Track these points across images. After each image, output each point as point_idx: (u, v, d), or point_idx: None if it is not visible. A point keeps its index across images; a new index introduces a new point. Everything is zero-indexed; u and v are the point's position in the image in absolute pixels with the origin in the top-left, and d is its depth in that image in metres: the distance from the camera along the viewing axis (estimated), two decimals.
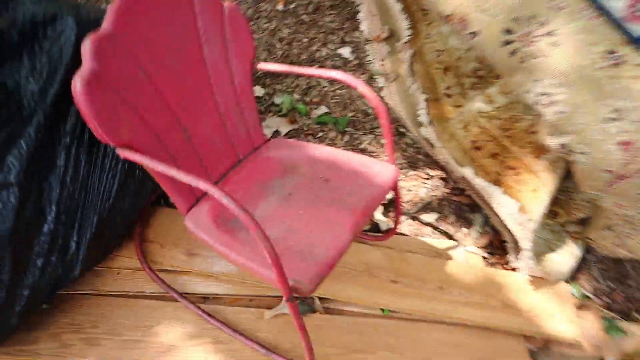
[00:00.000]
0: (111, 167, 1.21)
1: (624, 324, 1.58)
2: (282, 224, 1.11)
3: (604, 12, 1.10)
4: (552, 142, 1.19)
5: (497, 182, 1.46)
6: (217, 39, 1.18)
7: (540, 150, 1.39)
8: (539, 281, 1.51)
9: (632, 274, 1.72)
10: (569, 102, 1.11)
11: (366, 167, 1.24)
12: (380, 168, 1.23)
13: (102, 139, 0.94)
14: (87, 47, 0.93)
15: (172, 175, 0.91)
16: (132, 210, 1.31)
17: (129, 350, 1.21)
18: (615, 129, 1.12)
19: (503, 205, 1.37)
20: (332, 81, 1.88)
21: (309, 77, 1.86)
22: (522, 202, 1.40)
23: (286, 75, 1.84)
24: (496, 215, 1.52)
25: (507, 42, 1.16)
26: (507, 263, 1.61)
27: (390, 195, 1.65)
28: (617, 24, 1.10)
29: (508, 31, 1.16)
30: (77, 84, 0.90)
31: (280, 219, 1.12)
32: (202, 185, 0.86)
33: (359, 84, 1.15)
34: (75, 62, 1.15)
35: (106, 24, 0.97)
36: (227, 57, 1.20)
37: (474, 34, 1.22)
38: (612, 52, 1.10)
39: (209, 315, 1.28)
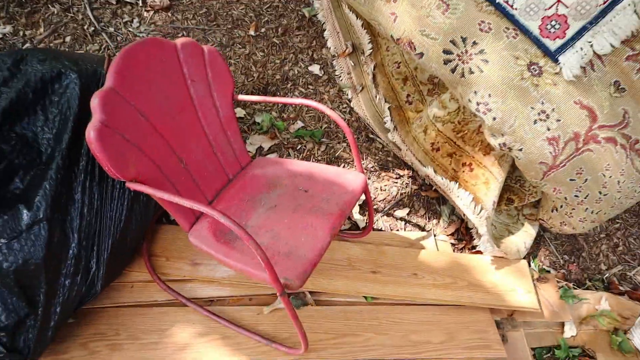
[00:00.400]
0: (119, 196, 1.40)
1: (579, 292, 1.81)
2: (271, 231, 1.31)
3: (523, 31, 1.32)
4: (493, 142, 1.41)
5: (454, 178, 1.67)
6: (201, 80, 1.37)
7: (488, 147, 1.61)
8: (501, 260, 1.73)
9: (585, 247, 1.96)
10: (501, 109, 1.33)
11: (339, 177, 1.44)
12: (351, 176, 1.44)
13: (113, 176, 1.13)
14: (95, 102, 1.12)
15: (175, 202, 1.10)
16: (140, 230, 1.50)
17: (148, 351, 1.41)
18: (542, 128, 1.33)
19: (460, 198, 1.58)
20: (305, 98, 2.07)
21: (284, 96, 2.06)
22: (475, 193, 1.62)
23: (263, 95, 2.03)
24: (456, 203, 1.74)
25: (448, 61, 1.37)
26: (473, 247, 1.82)
27: (364, 197, 1.86)
28: (535, 41, 1.31)
29: (447, 52, 1.37)
30: (90, 134, 1.09)
31: (269, 227, 1.32)
32: (201, 208, 1.05)
33: (325, 109, 1.35)
34: (82, 109, 1.34)
35: (108, 81, 1.16)
36: (211, 94, 1.40)
37: (420, 54, 1.42)
38: (533, 64, 1.31)
39: (215, 315, 1.47)
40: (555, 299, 1.74)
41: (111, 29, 2.22)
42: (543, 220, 1.73)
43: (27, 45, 2.14)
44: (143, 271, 1.57)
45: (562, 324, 1.72)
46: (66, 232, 1.27)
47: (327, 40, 2.16)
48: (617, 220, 2.04)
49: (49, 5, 2.26)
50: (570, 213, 1.56)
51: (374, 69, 1.96)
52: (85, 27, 2.20)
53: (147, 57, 1.25)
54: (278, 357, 1.41)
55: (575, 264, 1.90)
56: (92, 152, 1.10)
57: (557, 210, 1.63)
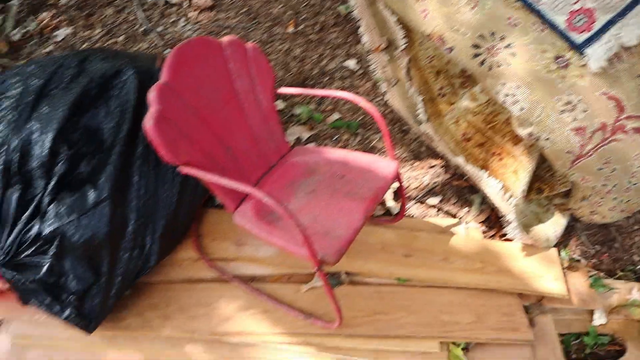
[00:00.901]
0: (171, 180, 1.54)
1: (609, 281, 1.84)
2: (309, 214, 1.42)
3: (550, 25, 1.37)
4: (521, 132, 1.47)
5: (484, 167, 1.74)
6: (245, 75, 1.49)
7: (517, 138, 1.67)
8: (530, 248, 1.78)
9: (617, 237, 1.98)
10: (528, 100, 1.39)
11: (373, 164, 1.54)
12: (384, 164, 1.53)
13: (167, 161, 1.27)
14: (152, 95, 1.26)
15: (223, 184, 1.22)
16: (189, 212, 1.64)
17: (196, 321, 1.54)
18: (569, 118, 1.39)
19: (489, 186, 1.64)
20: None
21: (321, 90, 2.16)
22: (504, 182, 1.68)
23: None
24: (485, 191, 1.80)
25: (476, 55, 1.44)
26: (504, 235, 1.88)
27: (397, 185, 1.94)
28: (561, 34, 1.37)
29: (476, 46, 1.44)
30: (148, 123, 1.23)
31: (308, 210, 1.43)
32: (248, 189, 1.17)
33: (360, 101, 1.45)
34: (138, 102, 1.48)
35: (162, 77, 1.30)
36: (254, 88, 1.52)
37: (450, 49, 1.50)
38: (559, 57, 1.37)
39: (258, 291, 1.60)
40: (585, 288, 1.78)
41: (160, 28, 2.38)
42: (573, 209, 1.77)
43: (85, 45, 2.33)
44: (191, 250, 1.71)
45: (592, 312, 1.76)
46: (125, 210, 1.42)
47: (362, 36, 2.25)
48: None
49: (104, 8, 2.44)
50: (599, 202, 1.60)
51: (407, 63, 2.03)
52: (137, 27, 2.37)
53: (196, 55, 1.38)
54: (314, 331, 1.52)
55: (606, 254, 1.93)
56: (149, 139, 1.23)
57: (586, 199, 1.67)
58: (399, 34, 2.05)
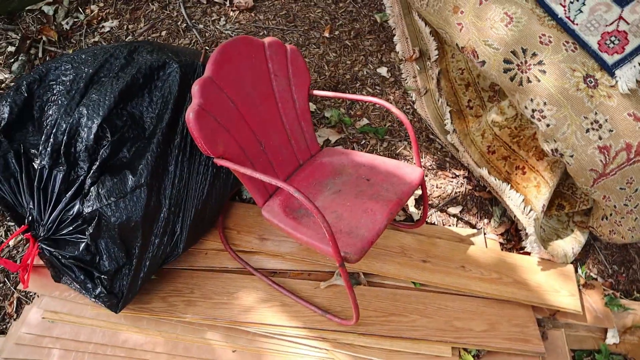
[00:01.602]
0: (204, 172, 1.62)
1: (625, 302, 1.85)
2: (335, 212, 1.48)
3: (582, 45, 1.41)
4: (546, 147, 1.50)
5: (507, 180, 1.77)
6: (283, 75, 1.56)
7: (541, 153, 1.70)
8: (547, 263, 1.81)
9: (636, 259, 1.98)
10: (555, 116, 1.42)
11: (399, 169, 1.59)
12: (409, 170, 1.58)
13: (204, 152, 1.34)
14: (195, 88, 1.33)
15: (256, 177, 1.29)
16: (218, 203, 1.71)
17: (218, 309, 1.61)
18: (594, 136, 1.42)
19: (511, 199, 1.68)
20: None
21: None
22: (526, 195, 1.71)
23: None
24: (507, 204, 1.83)
25: (507, 70, 1.48)
26: (522, 248, 1.91)
27: (420, 192, 1.98)
28: (593, 55, 1.40)
29: (508, 61, 1.48)
30: (190, 115, 1.30)
31: (333, 208, 1.49)
32: (279, 183, 1.23)
33: (391, 107, 1.50)
34: (180, 94, 1.57)
35: (207, 71, 1.37)
36: (290, 88, 1.59)
37: (482, 62, 1.54)
38: (589, 77, 1.40)
39: (277, 284, 1.66)
40: (600, 306, 1.80)
41: (201, 26, 2.47)
42: (593, 227, 1.79)
43: (130, 37, 2.43)
44: (217, 241, 1.78)
45: (605, 331, 1.77)
46: (160, 197, 1.50)
47: (396, 44, 2.30)
48: None
49: (150, 3, 2.55)
50: (620, 222, 1.62)
51: (438, 74, 2.08)
52: (179, 23, 2.47)
53: (239, 53, 1.45)
54: (330, 327, 1.57)
55: (624, 275, 1.94)
56: (190, 131, 1.30)
57: (606, 218, 1.69)
58: (431, 45, 2.10)
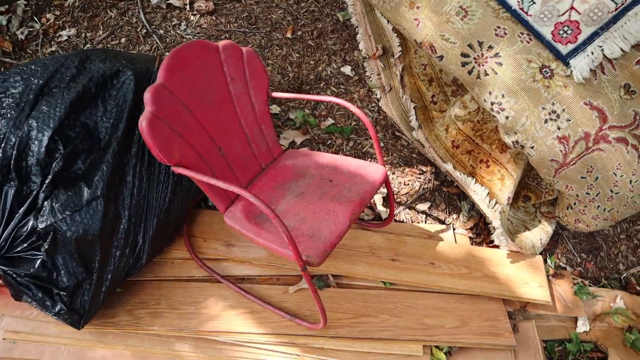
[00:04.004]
0: (164, 180, 1.58)
1: (594, 289, 1.87)
2: (297, 215, 1.45)
3: (536, 36, 1.41)
4: (507, 140, 1.50)
5: (472, 174, 1.77)
6: (240, 78, 1.53)
7: (504, 145, 1.70)
8: (516, 255, 1.81)
9: (603, 246, 2.01)
10: (513, 108, 1.42)
11: (361, 169, 1.57)
12: (372, 169, 1.56)
13: (161, 160, 1.30)
14: (147, 96, 1.30)
15: (214, 184, 1.26)
16: (181, 212, 1.67)
17: (184, 320, 1.57)
18: (553, 127, 1.42)
19: (476, 193, 1.68)
20: (336, 96, 2.21)
21: (317, 95, 2.20)
22: (491, 188, 1.71)
23: (297, 93, 2.18)
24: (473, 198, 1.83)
25: (465, 63, 1.48)
26: (491, 241, 1.91)
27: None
28: (547, 45, 1.40)
29: (465, 55, 1.47)
30: (142, 123, 1.26)
31: (296, 212, 1.47)
32: (237, 190, 1.20)
33: (350, 106, 1.49)
34: (135, 102, 1.52)
35: (158, 78, 1.34)
36: (248, 91, 1.56)
37: (440, 57, 1.53)
38: (544, 67, 1.40)
39: (245, 291, 1.63)
40: (570, 295, 1.81)
41: (161, 31, 2.43)
42: (559, 217, 1.80)
43: (88, 45, 2.37)
44: (183, 250, 1.74)
45: (576, 320, 1.79)
46: (118, 209, 1.46)
47: (359, 43, 2.29)
48: (639, 222, 2.07)
49: (108, 10, 2.49)
50: (583, 210, 1.63)
51: (402, 71, 2.07)
52: (139, 29, 2.42)
53: (193, 57, 1.42)
54: (300, 332, 1.55)
55: (592, 263, 1.95)
56: (143, 139, 1.27)
57: (571, 207, 1.70)
58: (394, 42, 2.08)
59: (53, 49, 2.39)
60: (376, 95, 2.21)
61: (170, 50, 2.34)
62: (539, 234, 1.85)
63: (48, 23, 2.47)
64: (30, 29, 2.48)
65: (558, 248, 1.97)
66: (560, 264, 1.93)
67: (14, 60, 2.38)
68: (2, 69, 2.35)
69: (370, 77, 2.25)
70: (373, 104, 2.21)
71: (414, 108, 1.98)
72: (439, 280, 1.71)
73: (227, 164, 1.51)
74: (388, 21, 2.01)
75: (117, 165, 1.45)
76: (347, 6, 2.40)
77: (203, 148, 1.43)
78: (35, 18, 2.51)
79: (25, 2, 2.57)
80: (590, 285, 1.89)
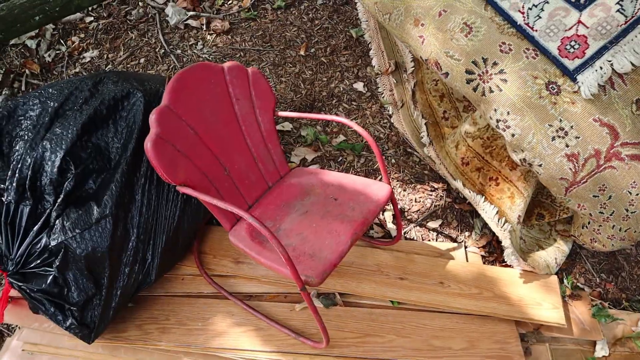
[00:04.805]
0: (173, 199, 1.61)
1: (614, 311, 1.79)
2: (300, 234, 1.46)
3: (542, 51, 1.38)
4: (515, 157, 1.47)
5: (481, 192, 1.74)
6: (245, 98, 1.56)
7: (514, 163, 1.66)
8: (530, 275, 1.76)
9: (625, 266, 1.93)
10: (520, 126, 1.40)
11: (366, 187, 1.57)
12: (377, 187, 1.56)
13: (166, 180, 1.34)
14: (152, 118, 1.33)
15: (214, 204, 1.28)
16: (191, 229, 1.70)
17: (192, 335, 1.59)
18: (561, 144, 1.39)
19: (485, 211, 1.64)
20: (348, 113, 2.22)
21: (329, 111, 2.21)
22: (500, 207, 1.67)
23: (310, 111, 2.20)
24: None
25: (470, 80, 1.46)
26: (504, 260, 1.86)
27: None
28: (554, 61, 1.37)
29: (469, 72, 1.46)
30: (148, 144, 1.30)
31: (299, 231, 1.47)
32: (237, 211, 1.22)
33: (353, 125, 1.49)
34: (145, 123, 1.57)
35: (164, 100, 1.38)
36: (254, 110, 1.58)
37: (446, 74, 1.52)
38: (551, 83, 1.37)
39: (252, 309, 1.64)
40: (587, 317, 1.74)
41: (178, 51, 2.49)
42: (575, 236, 1.74)
43: (109, 66, 2.46)
44: (192, 266, 1.77)
45: (594, 344, 1.72)
46: (127, 227, 1.50)
47: (372, 59, 2.30)
48: None
49: (129, 32, 2.58)
50: (598, 230, 1.58)
51: (414, 86, 2.06)
52: (157, 49, 2.50)
53: (198, 79, 1.46)
54: (304, 350, 1.54)
55: (613, 284, 1.88)
56: (149, 160, 1.30)
57: (586, 226, 1.64)
58: (407, 57, 2.08)
59: (77, 70, 2.49)
60: (388, 111, 2.20)
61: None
62: (554, 253, 1.79)
63: (73, 45, 2.58)
64: (57, 52, 2.60)
65: (576, 267, 1.90)
66: (578, 284, 1.86)
67: (41, 81, 2.49)
68: (30, 90, 2.46)
69: (382, 93, 2.25)
70: (385, 120, 2.21)
71: (425, 124, 1.96)
72: (448, 300, 1.68)
73: (233, 183, 1.53)
74: (394, 36, 2.02)
75: (127, 185, 1.49)
76: (360, 22, 2.42)
77: (208, 168, 1.45)
78: (61, 41, 2.62)
79: (54, 27, 2.69)
80: (610, 307, 1.81)
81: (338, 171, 2.04)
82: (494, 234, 1.91)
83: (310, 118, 1.58)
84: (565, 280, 1.84)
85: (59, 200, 1.44)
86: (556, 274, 1.79)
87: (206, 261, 1.78)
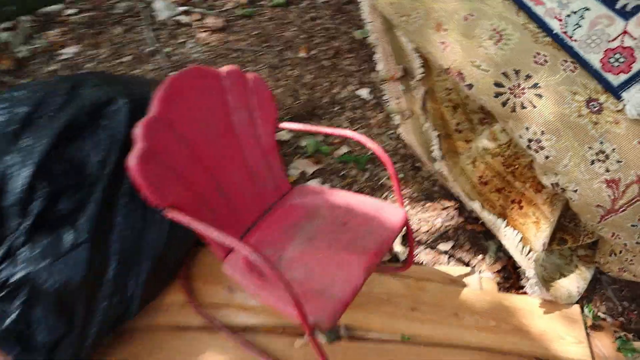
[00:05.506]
0: (160, 220, 1.42)
1: (638, 344, 1.66)
2: (305, 266, 1.28)
3: (582, 64, 1.23)
4: (545, 181, 1.32)
5: (502, 215, 1.58)
6: (244, 108, 1.38)
7: (540, 185, 1.51)
8: (550, 304, 1.62)
9: None
10: (555, 147, 1.24)
11: (379, 211, 1.40)
12: (391, 211, 1.39)
13: (152, 203, 1.15)
14: (138, 131, 1.14)
15: (208, 235, 1.10)
16: (180, 254, 1.52)
17: None
18: (601, 169, 1.23)
19: (507, 237, 1.49)
20: (351, 122, 2.05)
21: (331, 120, 2.04)
22: (524, 233, 1.52)
23: (310, 119, 2.02)
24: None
25: (499, 94, 1.30)
26: (521, 287, 1.72)
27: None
28: (595, 75, 1.22)
29: (498, 84, 1.30)
30: (131, 162, 1.11)
31: (304, 261, 1.30)
32: (234, 243, 1.04)
33: (367, 141, 1.32)
34: (129, 134, 1.37)
35: (152, 110, 1.19)
36: (253, 122, 1.40)
37: (470, 85, 1.36)
38: (592, 101, 1.22)
39: (247, 343, 1.46)
40: (611, 351, 1.61)
41: (168, 49, 2.29)
42: (600, 264, 1.60)
43: (90, 65, 2.25)
44: (180, 294, 1.58)
45: None
46: (106, 254, 1.30)
47: (377, 63, 2.13)
48: None
49: (114, 27, 2.37)
50: (631, 260, 1.44)
51: (424, 95, 1.90)
52: (145, 47, 2.29)
53: (191, 86, 1.27)
54: None
55: (636, 312, 1.75)
56: (132, 179, 1.12)
57: (615, 255, 1.51)
58: (416, 63, 1.92)
59: (54, 67, 2.28)
60: (395, 121, 2.04)
61: (177, 70, 2.20)
62: (576, 280, 1.65)
63: (51, 40, 2.36)
64: (33, 46, 2.38)
65: (596, 295, 1.76)
66: (599, 313, 1.72)
67: (15, 79, 2.27)
68: (0, 89, 2.24)
69: (388, 101, 2.08)
70: (391, 131, 2.04)
71: (437, 136, 1.80)
72: (463, 334, 1.53)
73: (229, 203, 1.35)
74: (410, 40, 1.86)
75: (106, 205, 1.30)
76: (365, 23, 2.25)
77: (201, 187, 1.27)
78: (38, 35, 2.40)
79: (31, 18, 2.47)
80: (635, 340, 1.68)
81: (341, 187, 1.87)
82: (509, 257, 1.76)
83: (315, 131, 1.40)
84: (585, 309, 1.70)
85: (26, 224, 1.24)
86: (576, 302, 1.65)
87: (195, 288, 1.59)
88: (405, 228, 1.42)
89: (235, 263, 1.28)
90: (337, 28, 2.35)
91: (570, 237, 1.66)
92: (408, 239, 1.48)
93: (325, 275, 1.23)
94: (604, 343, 1.62)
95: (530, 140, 1.28)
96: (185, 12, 2.41)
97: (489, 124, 1.80)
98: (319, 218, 1.43)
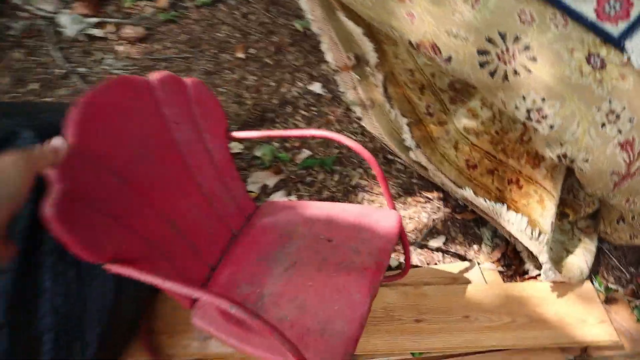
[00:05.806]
0: (102, 272, 1.14)
1: None
2: (294, 300, 1.04)
3: (574, 17, 1.06)
4: (550, 153, 1.15)
5: (500, 199, 1.41)
6: (186, 121, 1.12)
7: (537, 158, 1.35)
8: (561, 285, 1.47)
9: None
10: (560, 114, 1.07)
11: (366, 217, 1.18)
12: (380, 215, 1.18)
13: (85, 259, 0.87)
14: (51, 169, 0.87)
15: (165, 288, 0.84)
16: (136, 307, 1.24)
17: None
18: (613, 131, 1.08)
19: (512, 223, 1.32)
20: (308, 121, 1.82)
21: (285, 122, 1.80)
22: (530, 215, 1.36)
23: (261, 125, 1.78)
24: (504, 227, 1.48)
25: (485, 63, 1.12)
26: (525, 272, 1.56)
27: None
28: (591, 27, 1.06)
29: (483, 52, 1.12)
30: (48, 212, 0.83)
31: (291, 295, 1.06)
32: (198, 294, 0.79)
33: (342, 138, 1.10)
34: (42, 181, 1.08)
35: (66, 139, 0.91)
36: (200, 136, 1.14)
37: (448, 58, 1.17)
38: (592, 56, 1.06)
39: None
40: (632, 323, 1.48)
41: (83, 69, 1.97)
42: (606, 233, 1.47)
43: None
44: (143, 354, 1.30)
45: None
46: (37, 332, 1.01)
47: (325, 54, 1.91)
48: None
49: (11, 51, 2.02)
50: None
51: (384, 81, 1.70)
52: (54, 70, 1.96)
53: (115, 103, 1.00)
54: None
55: None
56: (54, 234, 0.84)
57: (624, 221, 1.37)
58: (367, 47, 1.72)
59: None
60: (356, 113, 1.83)
61: (87, 91, 1.89)
62: (583, 255, 1.51)
63: None
64: None
65: (601, 266, 1.64)
66: (609, 285, 1.60)
67: None
68: None
69: (345, 93, 1.87)
70: (355, 125, 1.83)
71: (408, 124, 1.61)
72: (479, 338, 1.34)
73: (184, 239, 1.09)
74: (357, 24, 1.66)
75: (25, 272, 1.00)
76: (304, 13, 2.03)
77: (147, 227, 1.00)
78: None
79: None
80: None
81: (309, 195, 1.64)
82: (507, 243, 1.60)
83: (277, 136, 1.17)
84: (595, 283, 1.57)
85: None
86: (587, 278, 1.51)
87: (161, 343, 1.32)
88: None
89: (205, 312, 1.02)
90: (274, 21, 2.12)
91: (571, 210, 1.52)
92: (403, 245, 1.27)
93: (323, 308, 1.00)
94: (622, 316, 1.50)
95: (529, 111, 1.11)
96: (98, 25, 2.10)
97: (462, 101, 1.63)
98: (298, 238, 1.19)
